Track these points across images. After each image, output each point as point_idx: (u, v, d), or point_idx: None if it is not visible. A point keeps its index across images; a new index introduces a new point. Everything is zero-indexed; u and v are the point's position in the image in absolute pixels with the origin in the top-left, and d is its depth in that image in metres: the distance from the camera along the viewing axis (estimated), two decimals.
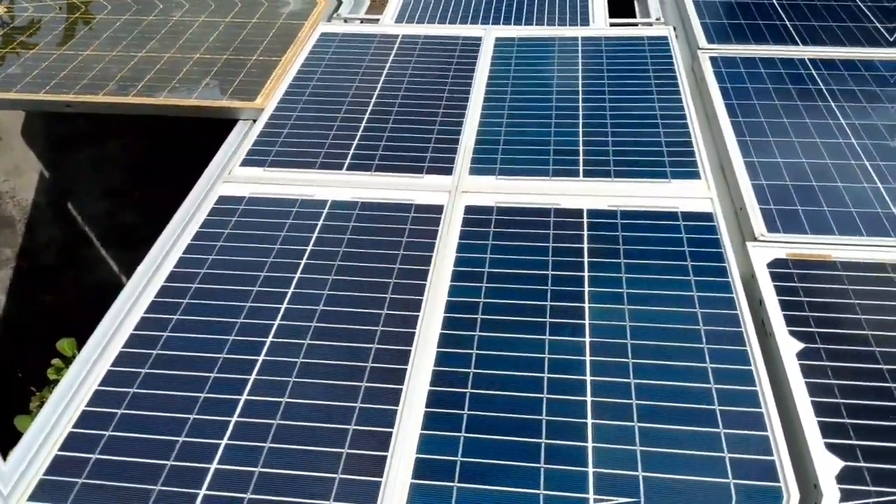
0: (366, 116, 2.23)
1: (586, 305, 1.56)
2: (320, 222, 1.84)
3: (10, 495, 1.27)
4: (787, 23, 2.59)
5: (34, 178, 3.81)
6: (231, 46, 2.65)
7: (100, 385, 1.44)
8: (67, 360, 3.05)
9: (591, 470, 1.25)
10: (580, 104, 2.23)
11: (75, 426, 1.36)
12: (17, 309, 3.85)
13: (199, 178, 2.03)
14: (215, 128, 2.50)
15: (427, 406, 1.38)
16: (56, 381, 3.07)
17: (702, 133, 2.07)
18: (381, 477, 1.25)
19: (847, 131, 2.02)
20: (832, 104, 2.14)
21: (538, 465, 1.26)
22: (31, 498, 1.24)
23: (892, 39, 2.47)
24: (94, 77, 2.48)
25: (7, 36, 2.80)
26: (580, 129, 2.11)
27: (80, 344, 2.96)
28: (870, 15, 2.62)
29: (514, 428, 1.32)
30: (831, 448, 1.24)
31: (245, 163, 2.06)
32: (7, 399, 3.20)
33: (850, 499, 1.17)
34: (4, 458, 1.36)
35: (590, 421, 1.33)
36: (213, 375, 1.45)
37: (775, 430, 1.28)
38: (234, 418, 1.36)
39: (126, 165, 3.97)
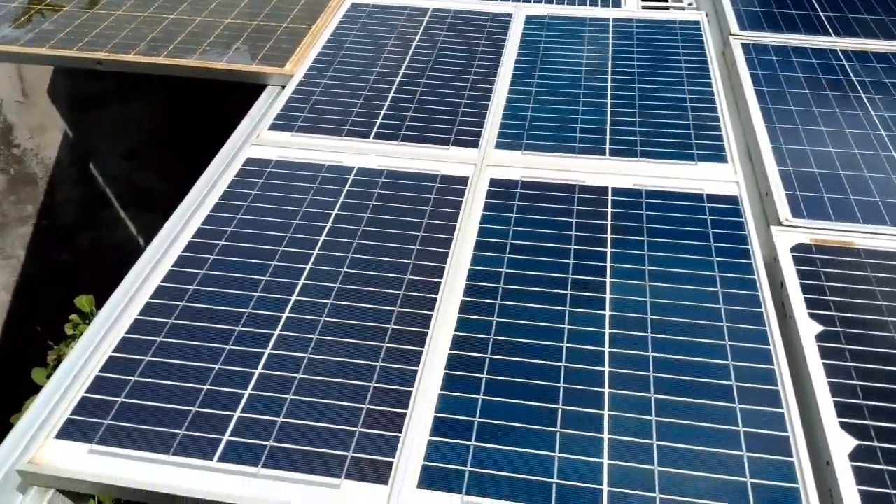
0: (394, 87, 2.24)
1: (608, 280, 1.58)
2: (346, 188, 1.86)
3: (38, 433, 1.31)
4: (821, 13, 2.57)
5: (58, 136, 3.85)
6: (262, 13, 2.66)
7: (126, 333, 1.47)
8: (85, 316, 3.10)
9: (606, 437, 1.27)
10: (609, 84, 2.23)
11: (102, 370, 1.39)
12: (36, 265, 3.90)
13: (222, 144, 2.05)
14: (240, 93, 2.51)
15: (447, 369, 1.40)
16: (73, 336, 3.13)
17: (730, 118, 2.07)
18: (401, 432, 1.28)
19: (876, 122, 2.01)
20: (862, 95, 2.13)
21: (554, 430, 1.28)
22: (57, 436, 1.27)
23: None
24: (126, 37, 2.50)
25: None
26: (608, 109, 2.11)
27: (99, 301, 3.01)
28: None
29: (532, 393, 1.34)
30: (845, 427, 1.26)
31: (273, 127, 2.08)
32: (25, 353, 3.26)
33: (862, 477, 1.19)
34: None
35: (607, 390, 1.35)
36: (238, 329, 1.47)
37: (791, 407, 1.30)
38: (259, 370, 1.39)
39: (149, 128, 4.00)
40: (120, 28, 2.56)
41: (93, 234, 4.08)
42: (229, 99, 2.85)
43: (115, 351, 1.43)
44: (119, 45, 2.45)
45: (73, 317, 3.16)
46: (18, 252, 3.88)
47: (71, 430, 1.28)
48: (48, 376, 2.88)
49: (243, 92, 2.38)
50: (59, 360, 3.16)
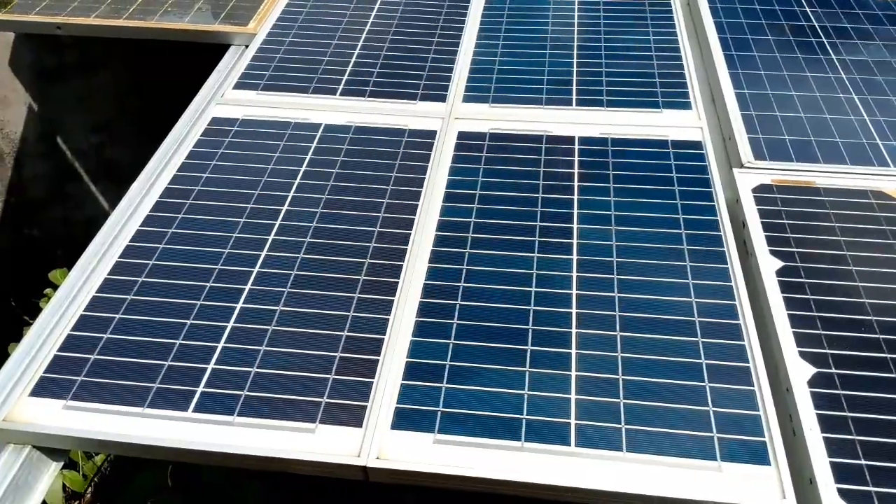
0: (359, 44, 2.22)
1: (575, 226, 1.60)
2: (314, 144, 1.85)
3: (12, 392, 1.31)
4: None
5: (22, 110, 3.77)
6: None
7: (97, 292, 1.47)
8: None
9: (573, 374, 1.30)
10: (575, 36, 2.23)
11: (73, 329, 1.39)
12: (6, 242, 3.85)
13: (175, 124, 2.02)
14: (204, 58, 2.48)
15: (418, 316, 1.42)
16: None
17: (695, 66, 2.08)
18: (373, 378, 1.30)
19: (838, 66, 2.04)
20: (825, 40, 2.16)
21: (523, 369, 1.31)
22: (32, 393, 1.28)
23: None
24: (85, 0, 2.44)
25: None
26: (574, 60, 2.12)
27: None
28: None
29: (501, 336, 1.37)
30: (804, 356, 1.30)
31: (238, 86, 2.06)
32: (2, 327, 3.23)
33: (821, 401, 1.23)
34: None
35: (574, 330, 1.38)
36: (209, 285, 1.48)
37: (752, 339, 1.33)
38: (231, 323, 1.40)
39: (116, 100, 3.93)
40: None
41: (63, 208, 4.03)
42: (196, 66, 2.81)
43: (86, 310, 1.43)
44: (78, 8, 2.40)
45: (48, 291, 3.14)
46: None
47: (45, 388, 1.29)
48: None
49: (208, 55, 2.35)
50: None
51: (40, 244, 3.96)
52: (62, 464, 1.28)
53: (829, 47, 2.13)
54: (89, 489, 2.67)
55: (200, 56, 2.71)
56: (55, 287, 3.13)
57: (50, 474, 1.25)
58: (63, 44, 3.73)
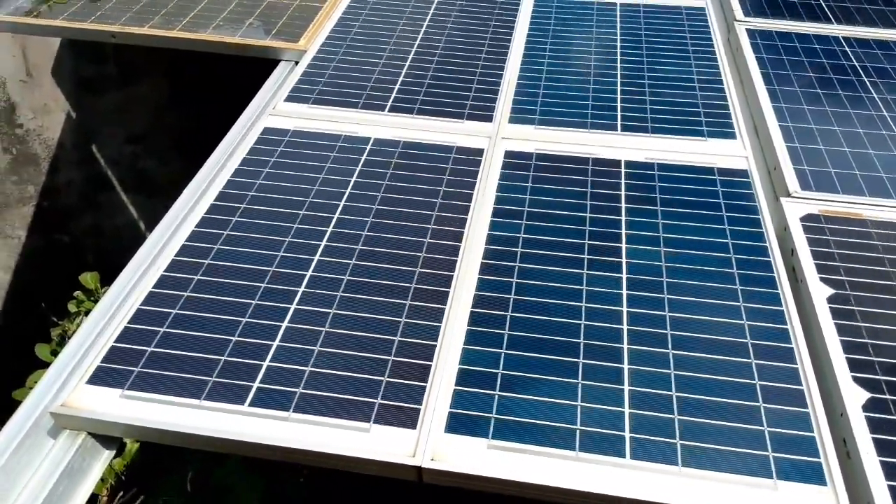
0: (407, 62, 2.27)
1: (623, 245, 1.62)
2: (364, 157, 1.89)
3: (69, 378, 1.33)
4: (822, 2, 2.63)
5: (61, 118, 3.85)
6: None
7: (153, 287, 1.49)
8: (90, 293, 3.11)
9: (626, 388, 1.31)
10: (618, 65, 2.27)
11: (130, 322, 1.41)
12: (36, 246, 3.90)
13: (226, 131, 2.05)
14: (246, 80, 2.53)
15: (469, 325, 1.43)
16: (77, 313, 3.13)
17: (738, 98, 2.12)
18: (426, 382, 1.31)
19: (879, 104, 2.07)
20: (865, 79, 2.19)
21: (576, 381, 1.32)
22: (89, 381, 1.30)
23: None
24: (139, 11, 2.51)
25: None
26: (618, 88, 2.16)
27: (104, 280, 3.01)
28: None
29: (553, 348, 1.38)
30: (858, 381, 1.30)
31: (289, 99, 2.10)
32: (28, 330, 3.26)
33: (875, 426, 1.23)
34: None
35: (625, 346, 1.39)
36: (263, 285, 1.50)
37: (805, 362, 1.34)
38: (285, 323, 1.41)
39: (153, 112, 4.01)
40: (133, 2, 2.57)
41: (94, 216, 4.08)
42: (235, 83, 2.87)
43: (142, 304, 1.45)
44: (132, 18, 2.46)
45: (78, 293, 3.16)
46: (19, 232, 3.87)
47: (102, 376, 1.30)
48: (52, 352, 2.89)
49: (249, 78, 2.40)
50: (62, 336, 3.16)
51: (70, 249, 4.00)
52: (115, 452, 1.29)
53: (869, 85, 2.17)
54: (105, 492, 2.67)
55: (240, 73, 2.77)
56: (85, 290, 3.16)
57: (103, 461, 1.26)
58: (104, 55, 3.82)
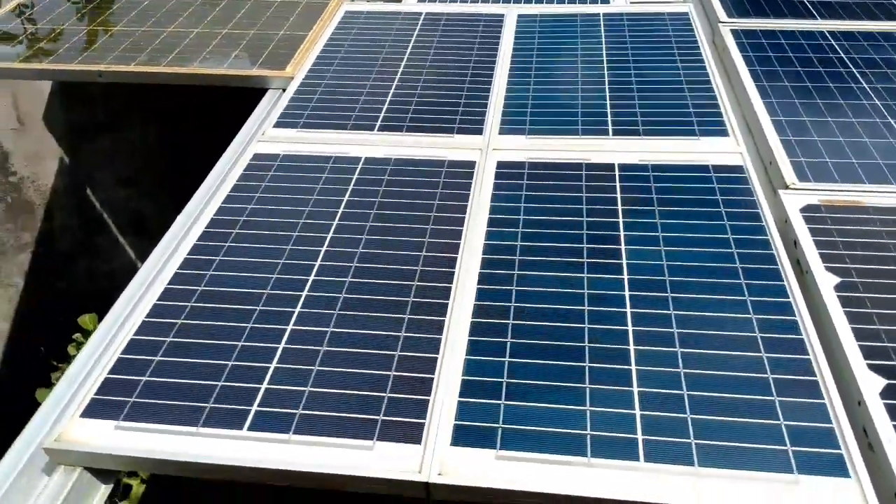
0: (394, 83, 2.27)
1: (623, 247, 1.59)
2: (355, 176, 1.87)
3: (63, 413, 1.29)
4: None
5: (54, 164, 3.85)
6: (258, 23, 2.69)
7: (147, 317, 1.46)
8: (89, 335, 3.07)
9: (635, 389, 1.27)
10: (605, 72, 2.26)
11: (124, 352, 1.38)
12: (34, 292, 3.87)
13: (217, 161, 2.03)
14: (233, 118, 2.53)
15: (470, 335, 1.40)
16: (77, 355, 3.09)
17: (727, 97, 2.10)
18: (429, 395, 1.27)
19: (870, 93, 2.06)
20: (854, 70, 2.18)
21: (583, 385, 1.28)
22: (83, 414, 1.26)
23: None
24: (125, 49, 2.52)
25: (35, 15, 2.85)
26: (607, 94, 2.15)
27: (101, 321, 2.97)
28: None
29: (557, 353, 1.34)
30: (874, 368, 1.26)
31: (278, 125, 2.09)
32: (27, 377, 3.22)
33: (895, 413, 1.19)
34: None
35: (632, 347, 1.35)
36: (258, 308, 1.47)
37: (817, 353, 1.30)
38: (282, 345, 1.38)
39: (144, 155, 4.01)
40: (118, 43, 2.58)
41: (90, 260, 4.06)
42: (224, 120, 2.87)
43: (136, 334, 1.41)
44: (119, 57, 2.47)
45: (77, 336, 3.13)
46: (16, 280, 3.85)
47: (96, 408, 1.26)
48: None
49: (239, 113, 2.40)
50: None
51: (67, 294, 3.97)
52: (112, 486, 1.25)
53: (858, 76, 2.16)
54: None
55: (228, 109, 2.77)
56: (84, 332, 3.13)
57: (100, 497, 1.21)
58: (94, 100, 3.83)
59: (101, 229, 4.05)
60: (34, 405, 2.86)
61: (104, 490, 1.23)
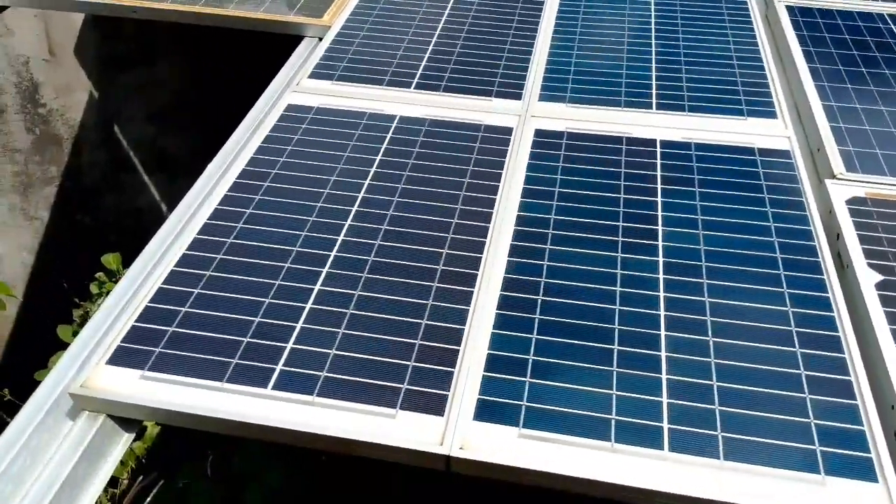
0: (434, 39, 2.21)
1: (660, 228, 1.55)
2: (389, 135, 1.83)
3: (89, 359, 1.30)
4: None
5: (84, 97, 3.83)
6: None
7: (175, 266, 1.45)
8: (112, 274, 3.10)
9: (664, 377, 1.25)
10: (653, 41, 2.19)
11: (151, 301, 1.38)
12: (59, 227, 3.90)
13: (249, 107, 2.01)
14: (265, 53, 2.48)
15: (498, 309, 1.38)
16: (100, 294, 3.13)
17: (778, 76, 2.03)
18: (454, 367, 1.26)
19: None
20: None
21: (611, 369, 1.26)
22: (109, 361, 1.26)
23: None
24: None
25: None
26: (653, 64, 2.08)
27: (126, 261, 3.00)
28: None
29: (587, 334, 1.32)
30: None
31: (313, 76, 2.05)
32: (50, 311, 3.26)
33: None
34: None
35: (663, 333, 1.33)
36: (286, 265, 1.45)
37: (853, 352, 1.27)
38: (309, 305, 1.37)
39: (175, 91, 3.98)
40: None
41: (116, 197, 4.08)
42: (257, 61, 2.83)
43: (164, 283, 1.41)
44: None
45: (100, 275, 3.16)
46: (42, 213, 3.87)
47: (122, 357, 1.27)
48: (74, 333, 2.88)
49: (273, 56, 2.35)
50: (84, 318, 3.16)
51: (92, 230, 4.01)
52: (134, 434, 1.26)
53: None
54: (126, 475, 2.66)
55: (262, 52, 2.72)
56: (107, 271, 3.16)
57: (123, 444, 1.23)
58: (126, 34, 3.79)
59: (128, 166, 4.05)
60: (56, 341, 2.90)
61: (127, 437, 1.24)
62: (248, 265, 1.45)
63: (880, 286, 1.39)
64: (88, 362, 1.28)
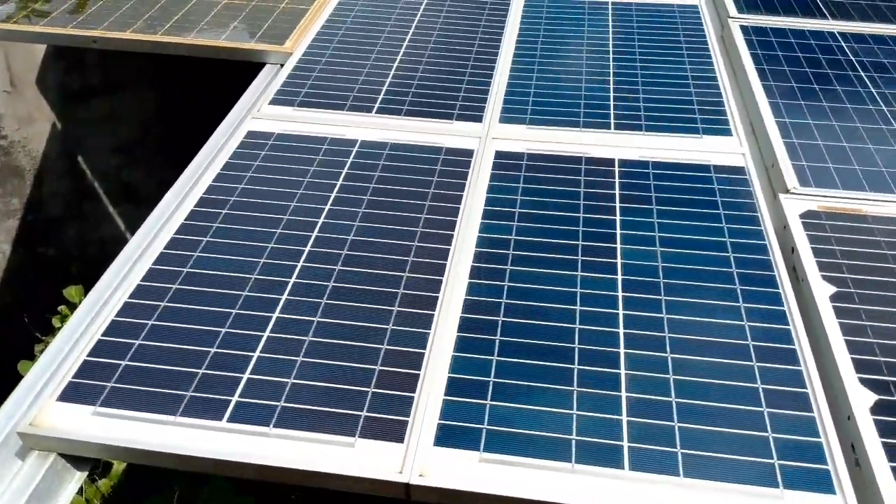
0: (395, 64, 2.22)
1: (618, 246, 1.56)
2: (350, 159, 1.83)
3: (39, 396, 1.26)
4: None
5: (46, 128, 3.78)
6: None
7: (129, 297, 1.43)
8: (74, 307, 3.04)
9: (623, 395, 1.25)
10: (611, 62, 2.22)
11: (104, 334, 1.35)
12: (21, 260, 3.83)
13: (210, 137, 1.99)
14: (228, 83, 2.47)
15: (459, 331, 1.37)
16: (61, 329, 3.06)
17: (733, 95, 2.07)
18: (414, 392, 1.25)
19: (877, 98, 2.02)
20: (862, 74, 2.14)
21: (571, 388, 1.26)
22: (59, 398, 1.23)
23: None
24: (122, 15, 2.46)
25: None
26: (611, 85, 2.11)
27: (88, 292, 2.94)
28: None
29: (547, 354, 1.32)
30: (865, 382, 1.24)
31: (274, 101, 2.05)
32: (12, 346, 3.18)
33: (885, 429, 1.17)
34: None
35: (622, 350, 1.33)
36: (244, 293, 1.44)
37: (809, 364, 1.28)
38: (267, 333, 1.35)
39: (138, 123, 3.95)
40: (115, 8, 2.52)
41: (80, 228, 4.02)
42: (221, 91, 2.81)
43: (117, 315, 1.38)
44: (115, 23, 2.41)
45: (62, 308, 3.10)
46: (3, 246, 3.80)
47: (73, 393, 1.24)
48: None
49: (235, 88, 2.34)
50: None
51: (55, 262, 3.93)
52: (86, 473, 1.22)
53: (867, 80, 2.12)
54: None
55: (225, 81, 2.71)
56: (69, 304, 3.10)
57: (74, 483, 1.19)
58: (88, 65, 3.76)
59: (91, 197, 3.99)
60: (17, 377, 2.83)
61: (79, 476, 1.20)
62: (204, 294, 1.43)
63: (834, 298, 1.41)
64: (38, 399, 1.25)
